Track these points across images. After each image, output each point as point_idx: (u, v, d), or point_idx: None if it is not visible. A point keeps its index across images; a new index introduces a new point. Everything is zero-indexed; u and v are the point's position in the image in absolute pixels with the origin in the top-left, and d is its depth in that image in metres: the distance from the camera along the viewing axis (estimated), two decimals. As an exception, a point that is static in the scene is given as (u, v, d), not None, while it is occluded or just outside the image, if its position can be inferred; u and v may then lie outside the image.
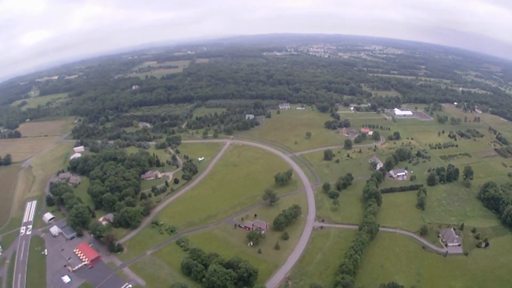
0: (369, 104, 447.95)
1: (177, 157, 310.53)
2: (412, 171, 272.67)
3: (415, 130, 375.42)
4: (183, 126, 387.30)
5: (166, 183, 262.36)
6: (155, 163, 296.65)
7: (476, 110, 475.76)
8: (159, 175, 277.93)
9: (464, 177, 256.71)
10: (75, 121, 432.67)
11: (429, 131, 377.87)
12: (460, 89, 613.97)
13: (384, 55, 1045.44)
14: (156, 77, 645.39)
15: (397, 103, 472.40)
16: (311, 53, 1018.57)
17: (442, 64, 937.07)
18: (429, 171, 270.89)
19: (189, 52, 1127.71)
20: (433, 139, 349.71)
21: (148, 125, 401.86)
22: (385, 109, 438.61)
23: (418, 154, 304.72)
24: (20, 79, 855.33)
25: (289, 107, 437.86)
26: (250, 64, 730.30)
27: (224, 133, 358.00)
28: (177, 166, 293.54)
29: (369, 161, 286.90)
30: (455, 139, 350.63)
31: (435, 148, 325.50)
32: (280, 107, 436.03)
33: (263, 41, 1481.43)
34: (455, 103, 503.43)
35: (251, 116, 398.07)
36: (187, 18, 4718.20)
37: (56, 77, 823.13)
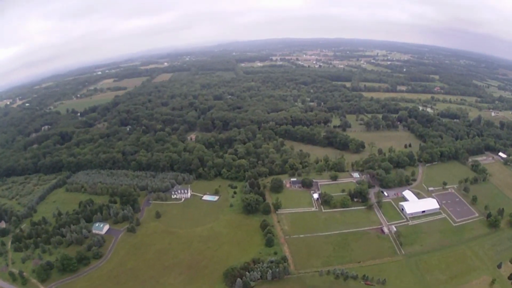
0: (355, 183, 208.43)
1: None
2: None
3: (449, 273, 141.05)
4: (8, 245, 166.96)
5: None
6: None
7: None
8: None
9: None
10: None
11: (474, 267, 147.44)
12: (493, 114, 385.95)
13: (389, 62, 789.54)
14: (77, 112, 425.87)
15: (411, 165, 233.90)
16: (300, 62, 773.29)
17: (457, 71, 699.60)
18: None
19: (166, 63, 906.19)
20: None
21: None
22: (385, 195, 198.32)
23: None
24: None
25: (189, 195, 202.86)
26: (205, 85, 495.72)
27: (36, 277, 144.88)
28: None
29: None
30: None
31: None
32: (173, 195, 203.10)
33: (257, 47, 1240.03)
34: (501, 155, 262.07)
35: (103, 229, 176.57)
36: (169, 24, 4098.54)
37: (9, 102, 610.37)
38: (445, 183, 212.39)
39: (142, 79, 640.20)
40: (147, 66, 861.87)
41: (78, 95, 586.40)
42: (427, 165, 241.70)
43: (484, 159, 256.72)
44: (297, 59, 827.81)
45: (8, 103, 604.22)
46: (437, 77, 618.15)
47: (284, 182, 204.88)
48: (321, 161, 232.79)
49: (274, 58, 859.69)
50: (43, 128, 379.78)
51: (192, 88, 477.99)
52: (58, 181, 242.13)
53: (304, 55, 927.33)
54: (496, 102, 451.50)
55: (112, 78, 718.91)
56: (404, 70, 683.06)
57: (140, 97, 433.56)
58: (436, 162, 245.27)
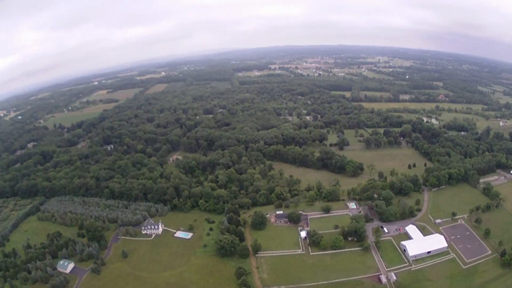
0: (350, 216, 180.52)
1: None
2: None
3: None
4: None
5: None
6: None
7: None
8: None
9: None
10: None
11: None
12: (501, 123, 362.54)
13: (391, 69, 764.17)
14: (64, 127, 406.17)
15: (416, 190, 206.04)
16: (299, 71, 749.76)
17: (460, 77, 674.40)
18: None
19: (163, 73, 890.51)
20: None
21: None
22: (385, 231, 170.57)
23: None
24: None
25: (160, 231, 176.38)
26: (197, 97, 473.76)
27: None
28: None
29: None
30: None
31: None
32: (143, 230, 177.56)
33: (257, 55, 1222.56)
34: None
35: (67, 267, 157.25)
36: (169, 32, 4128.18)
37: (3, 114, 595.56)
38: (454, 214, 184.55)
39: (136, 91, 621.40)
40: (143, 76, 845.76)
41: (70, 108, 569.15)
42: (433, 189, 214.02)
43: (495, 179, 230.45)
44: (296, 68, 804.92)
45: (2, 114, 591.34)
46: (441, 83, 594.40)
47: (268, 216, 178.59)
48: (313, 188, 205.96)
49: (273, 66, 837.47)
50: (28, 145, 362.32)
51: (184, 100, 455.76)
52: (31, 208, 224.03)
53: (304, 63, 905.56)
54: (503, 109, 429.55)
55: (106, 89, 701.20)
56: (407, 77, 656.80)
57: (127, 112, 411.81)
58: (443, 186, 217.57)
